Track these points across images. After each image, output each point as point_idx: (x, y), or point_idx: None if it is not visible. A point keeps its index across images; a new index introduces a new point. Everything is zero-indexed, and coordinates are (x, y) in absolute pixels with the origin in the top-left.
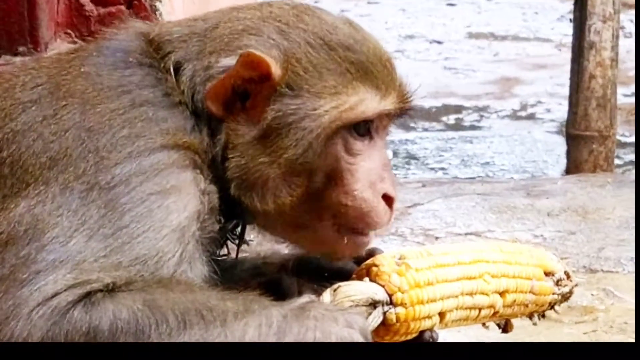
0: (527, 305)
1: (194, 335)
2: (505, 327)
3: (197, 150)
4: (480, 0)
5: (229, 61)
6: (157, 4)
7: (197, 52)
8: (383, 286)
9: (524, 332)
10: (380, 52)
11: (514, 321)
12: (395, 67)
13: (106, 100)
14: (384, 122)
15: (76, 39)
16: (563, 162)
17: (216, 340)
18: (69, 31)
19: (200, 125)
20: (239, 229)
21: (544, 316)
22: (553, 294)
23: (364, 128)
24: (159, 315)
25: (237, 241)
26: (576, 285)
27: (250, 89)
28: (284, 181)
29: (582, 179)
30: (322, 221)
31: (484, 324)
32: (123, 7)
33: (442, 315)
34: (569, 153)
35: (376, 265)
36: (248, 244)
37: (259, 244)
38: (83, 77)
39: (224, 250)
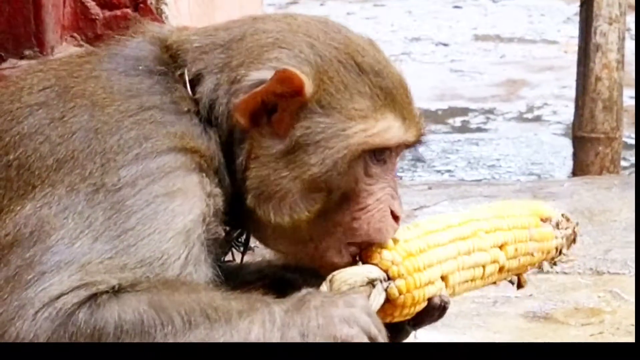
0: (532, 254)
1: (199, 334)
2: (519, 282)
3: (204, 155)
4: (486, 2)
5: (260, 74)
6: (163, 7)
7: (221, 65)
8: (376, 264)
9: (530, 334)
10: (401, 79)
11: (519, 315)
12: (412, 96)
13: (115, 103)
14: (398, 149)
15: (82, 42)
16: (569, 164)
17: (222, 339)
18: (75, 34)
19: (209, 133)
20: (243, 237)
21: (555, 264)
22: (556, 238)
23: (384, 153)
24: (165, 316)
25: (241, 248)
26: (577, 224)
27: (279, 103)
28: (303, 197)
29: (589, 181)
30: (332, 236)
31: (494, 282)
32: (129, 10)
33: (445, 279)
34: (575, 155)
35: (365, 248)
36: (253, 251)
37: (265, 247)
38: (93, 81)
39: (229, 257)
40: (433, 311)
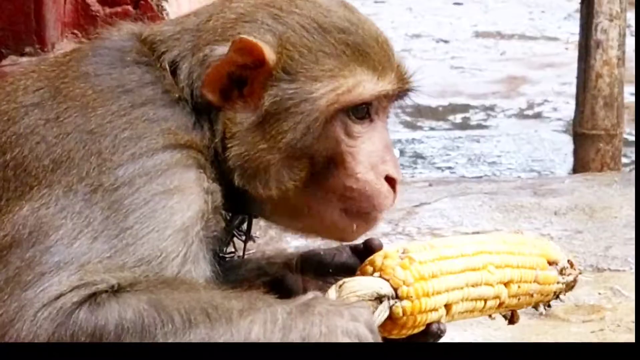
0: (532, 295)
1: (199, 333)
2: (512, 318)
3: (200, 148)
4: None
5: (223, 50)
6: (164, 3)
7: (191, 48)
8: (388, 280)
9: (531, 331)
10: (376, 34)
11: (520, 313)
12: (392, 48)
13: (106, 102)
14: (383, 103)
15: (83, 39)
16: (570, 161)
17: (222, 338)
18: (75, 31)
19: (201, 121)
20: (244, 225)
21: (549, 306)
22: (557, 282)
23: (363, 111)
24: (165, 314)
25: (243, 238)
26: (580, 273)
27: (246, 76)
28: (286, 166)
29: (589, 178)
30: (327, 205)
31: (490, 315)
32: (130, 7)
33: (448, 307)
34: (576, 152)
35: (380, 260)
36: (254, 241)
37: (266, 244)
38: (81, 79)
39: (231, 248)
40: (428, 336)
